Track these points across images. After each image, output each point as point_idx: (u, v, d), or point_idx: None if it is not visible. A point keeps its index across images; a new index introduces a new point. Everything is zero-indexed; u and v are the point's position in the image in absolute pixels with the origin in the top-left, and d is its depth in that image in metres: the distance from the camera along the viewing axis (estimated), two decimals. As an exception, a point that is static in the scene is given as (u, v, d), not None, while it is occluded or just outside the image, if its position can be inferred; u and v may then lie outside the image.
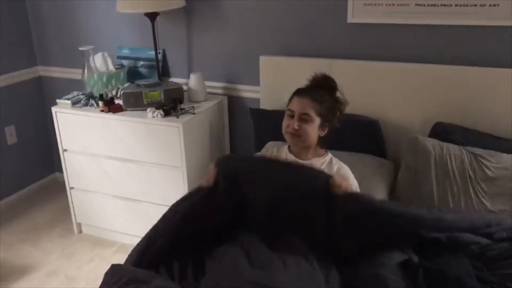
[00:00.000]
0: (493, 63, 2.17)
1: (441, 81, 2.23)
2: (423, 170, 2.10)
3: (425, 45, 2.30)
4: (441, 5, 2.19)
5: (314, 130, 1.83)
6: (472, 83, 2.18)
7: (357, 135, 2.32)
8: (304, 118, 1.82)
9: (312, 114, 1.82)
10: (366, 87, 2.37)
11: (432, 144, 2.11)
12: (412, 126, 2.31)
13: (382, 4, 2.30)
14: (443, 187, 2.05)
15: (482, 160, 2.02)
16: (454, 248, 1.61)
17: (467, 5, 2.15)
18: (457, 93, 2.21)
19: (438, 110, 2.26)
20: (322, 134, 1.86)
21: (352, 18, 2.37)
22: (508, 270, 1.56)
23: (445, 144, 2.11)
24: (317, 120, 1.83)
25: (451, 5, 2.17)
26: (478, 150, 2.06)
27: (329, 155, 1.91)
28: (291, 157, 1.91)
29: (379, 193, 2.05)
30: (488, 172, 2.00)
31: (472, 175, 2.02)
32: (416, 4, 2.24)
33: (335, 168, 1.85)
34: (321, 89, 1.87)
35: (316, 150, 1.90)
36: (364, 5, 2.33)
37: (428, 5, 2.22)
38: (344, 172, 1.85)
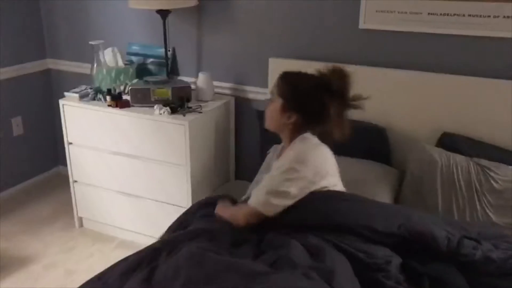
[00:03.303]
0: (504, 75, 2.16)
1: (451, 91, 2.22)
2: (428, 180, 2.08)
3: (436, 54, 2.28)
4: (454, 14, 2.18)
5: (274, 110, 1.74)
6: (482, 95, 2.16)
7: (364, 141, 2.31)
8: (271, 98, 1.79)
9: (274, 93, 1.75)
10: (375, 93, 2.34)
11: (439, 154, 2.10)
12: (420, 135, 2.29)
13: (394, 12, 2.29)
14: (448, 198, 2.03)
15: (489, 172, 2.01)
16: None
17: (480, 16, 2.14)
18: (467, 104, 2.20)
19: (446, 120, 2.25)
20: (287, 120, 1.72)
21: (364, 24, 2.37)
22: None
23: (452, 155, 2.09)
24: (278, 101, 1.72)
25: (464, 15, 2.16)
26: (485, 162, 2.04)
27: (294, 141, 1.74)
28: (274, 159, 1.89)
29: (383, 200, 2.03)
30: (495, 184, 1.98)
31: (478, 186, 2.00)
32: (428, 13, 2.23)
33: (283, 158, 1.73)
34: (313, 78, 1.75)
35: (292, 140, 1.75)
36: (377, 11, 2.33)
37: (440, 14, 2.21)
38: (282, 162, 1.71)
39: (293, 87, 1.73)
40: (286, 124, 1.74)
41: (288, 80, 1.75)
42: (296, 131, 1.75)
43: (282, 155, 1.79)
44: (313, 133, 1.77)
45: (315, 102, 1.71)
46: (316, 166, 1.68)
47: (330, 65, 1.76)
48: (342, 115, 1.71)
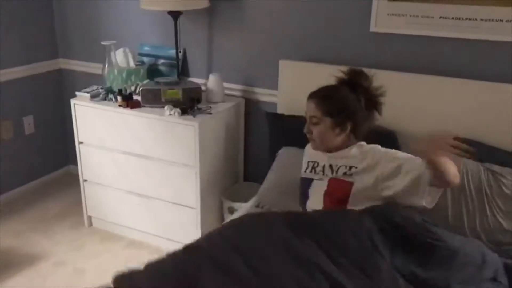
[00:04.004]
0: (516, 80, 2.15)
1: (462, 95, 2.20)
2: (438, 185, 2.07)
3: (448, 58, 2.27)
4: (466, 19, 2.17)
5: (326, 131, 1.83)
6: (493, 99, 2.15)
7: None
8: (313, 122, 1.85)
9: (319, 115, 1.81)
10: (385, 97, 2.35)
11: (449, 158, 2.09)
12: (430, 139, 2.28)
13: (406, 15, 2.29)
14: (458, 203, 2.02)
15: (499, 177, 1.99)
16: None
17: (492, 20, 2.12)
18: (478, 109, 2.18)
19: (456, 124, 2.23)
20: (342, 132, 1.83)
21: (375, 27, 2.36)
22: None
23: (462, 160, 2.08)
24: (327, 120, 1.81)
25: (476, 19, 2.15)
26: (496, 167, 2.03)
27: (355, 146, 1.86)
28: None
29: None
30: (506, 190, 1.96)
31: (488, 192, 1.98)
32: (440, 17, 2.22)
33: (342, 161, 1.83)
34: (341, 86, 1.86)
35: (345, 146, 1.87)
36: (388, 15, 2.32)
37: (453, 18, 2.20)
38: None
39: (336, 101, 1.82)
40: (341, 136, 1.83)
41: (327, 97, 1.82)
42: (350, 138, 1.86)
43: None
44: (362, 135, 1.88)
45: (358, 104, 1.81)
46: None
47: (344, 69, 1.87)
48: (377, 108, 1.86)
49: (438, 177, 1.60)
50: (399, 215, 1.61)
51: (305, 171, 1.99)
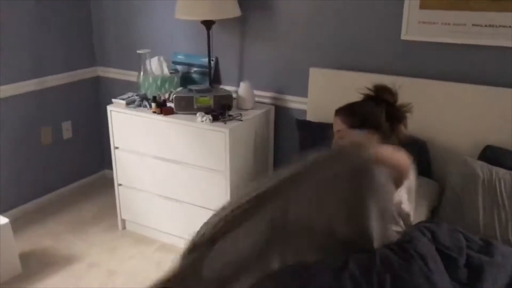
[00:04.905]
0: (551, 88, 2.10)
1: (494, 103, 2.17)
2: (469, 194, 2.04)
3: (480, 66, 2.25)
4: (500, 26, 2.15)
5: None
6: (527, 108, 2.12)
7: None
8: (340, 136, 1.89)
9: (344, 128, 1.85)
10: (416, 105, 2.32)
11: (480, 167, 2.06)
12: (461, 148, 2.25)
13: (437, 23, 2.28)
14: (489, 213, 1.99)
15: (533, 187, 1.95)
16: None
17: (527, 28, 2.10)
18: (508, 117, 2.15)
19: (489, 133, 2.20)
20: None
21: (406, 35, 2.36)
22: None
23: (494, 168, 2.04)
24: (352, 133, 1.83)
25: (510, 26, 2.13)
26: (530, 176, 1.99)
27: None
28: None
29: (421, 212, 2.01)
30: (539, 199, 1.92)
31: (522, 201, 1.95)
32: (473, 24, 2.21)
33: None
34: (366, 101, 1.88)
35: None
36: (419, 22, 2.32)
37: (485, 25, 2.18)
38: None
39: (359, 113, 1.85)
40: None
41: (350, 111, 1.86)
42: None
43: None
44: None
45: (383, 117, 1.82)
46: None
47: (369, 85, 1.88)
48: (401, 121, 1.84)
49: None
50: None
51: None
